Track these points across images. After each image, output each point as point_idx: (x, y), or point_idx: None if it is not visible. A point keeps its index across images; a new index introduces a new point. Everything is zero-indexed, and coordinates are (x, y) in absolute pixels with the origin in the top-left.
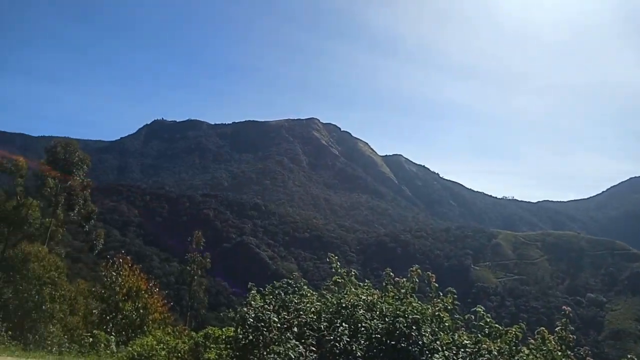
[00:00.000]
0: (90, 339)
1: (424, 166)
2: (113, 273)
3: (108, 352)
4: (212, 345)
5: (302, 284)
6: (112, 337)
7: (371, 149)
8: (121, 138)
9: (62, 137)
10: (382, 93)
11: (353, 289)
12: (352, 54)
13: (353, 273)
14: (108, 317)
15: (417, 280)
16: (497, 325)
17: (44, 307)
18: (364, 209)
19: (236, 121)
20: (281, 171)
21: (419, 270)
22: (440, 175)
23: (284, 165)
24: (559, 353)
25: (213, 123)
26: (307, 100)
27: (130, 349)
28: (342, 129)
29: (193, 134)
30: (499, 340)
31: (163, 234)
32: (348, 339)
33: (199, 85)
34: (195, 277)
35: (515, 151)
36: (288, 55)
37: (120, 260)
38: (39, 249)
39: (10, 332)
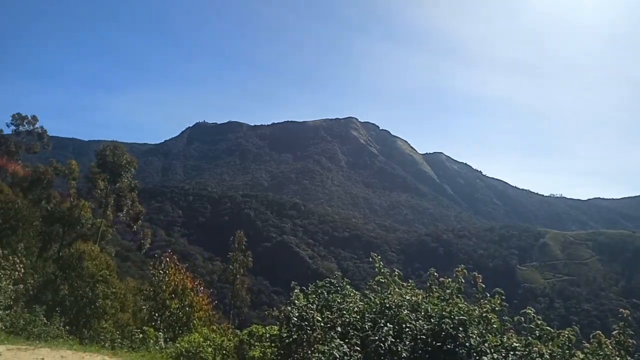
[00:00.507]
0: (141, 335)
1: (466, 164)
2: (160, 272)
3: (157, 347)
4: (256, 343)
5: (344, 283)
6: (160, 333)
7: (411, 147)
8: (165, 141)
9: (111, 141)
10: (421, 90)
11: (397, 289)
12: (390, 52)
13: (396, 273)
14: (156, 315)
15: (463, 280)
16: (548, 328)
17: (97, 303)
18: (404, 208)
19: (275, 122)
20: (320, 171)
21: (464, 271)
22: (484, 173)
23: (323, 164)
24: (618, 359)
25: (252, 124)
26: (345, 99)
27: (179, 345)
28: (380, 128)
29: (233, 135)
30: (550, 343)
31: (206, 234)
32: (393, 340)
33: (238, 88)
34: (238, 276)
35: (563, 147)
36: (325, 55)
37: (167, 259)
38: (92, 248)
39: (67, 327)
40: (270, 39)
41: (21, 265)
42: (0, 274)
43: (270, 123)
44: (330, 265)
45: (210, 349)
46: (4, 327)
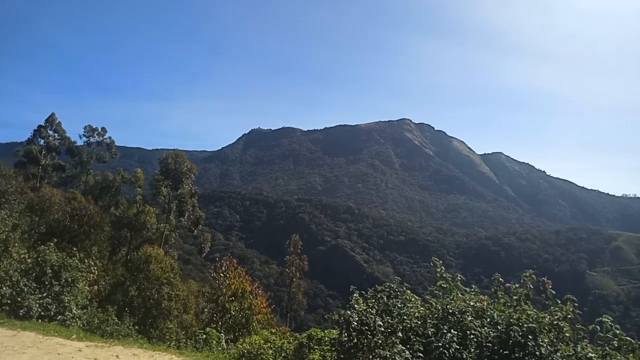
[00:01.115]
0: (204, 336)
1: (528, 164)
2: (221, 275)
3: (219, 348)
4: (315, 347)
5: (404, 288)
6: (222, 334)
7: (468, 147)
8: (222, 147)
9: (172, 150)
10: (477, 89)
11: (459, 295)
12: (442, 50)
13: (459, 278)
14: (217, 316)
15: (532, 286)
16: (628, 339)
17: (162, 305)
18: (462, 210)
19: (328, 126)
20: (373, 174)
21: (533, 276)
22: (547, 173)
23: (376, 167)
24: None
25: (305, 129)
26: (398, 101)
27: (240, 346)
28: (435, 129)
29: (287, 140)
30: (631, 355)
31: (262, 237)
32: (457, 346)
33: (291, 94)
34: (294, 280)
35: (636, 144)
36: (376, 57)
37: (227, 262)
38: (157, 251)
39: (136, 327)
40: (319, 43)
41: (95, 268)
42: (77, 276)
43: (322, 127)
44: (385, 269)
45: (270, 351)
46: (81, 325)
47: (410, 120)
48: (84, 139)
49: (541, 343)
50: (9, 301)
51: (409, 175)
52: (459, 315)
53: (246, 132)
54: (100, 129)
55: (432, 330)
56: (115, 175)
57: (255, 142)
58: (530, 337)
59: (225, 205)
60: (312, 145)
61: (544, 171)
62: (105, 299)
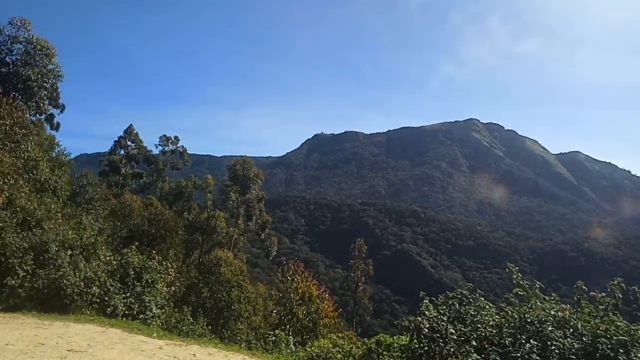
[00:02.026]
0: (273, 338)
1: (610, 163)
2: (288, 278)
3: (288, 351)
4: (384, 353)
5: (477, 295)
6: (290, 337)
7: (542, 147)
8: (287, 153)
9: (240, 156)
10: (551, 84)
11: (538, 303)
12: (511, 45)
13: (537, 285)
14: (285, 319)
15: (621, 295)
16: None
17: (233, 306)
18: (537, 214)
19: (391, 129)
20: (439, 176)
21: (622, 284)
22: (632, 173)
23: (442, 170)
24: None
25: (368, 133)
26: (464, 101)
27: (309, 349)
28: (505, 128)
29: (350, 145)
30: None
31: (327, 241)
32: (538, 358)
33: (353, 98)
34: (360, 284)
35: None
36: (439, 56)
37: (294, 266)
38: (227, 255)
39: (209, 327)
40: (379, 44)
41: (172, 270)
42: (156, 277)
43: (385, 130)
44: (454, 275)
45: (339, 356)
46: (160, 324)
47: (478, 120)
48: (159, 147)
49: (634, 358)
50: (97, 300)
51: (478, 177)
52: (539, 325)
53: (309, 137)
54: (173, 138)
55: (509, 340)
56: (188, 182)
57: (318, 147)
58: (621, 350)
59: (291, 209)
60: (375, 149)
61: (628, 170)
62: (180, 300)
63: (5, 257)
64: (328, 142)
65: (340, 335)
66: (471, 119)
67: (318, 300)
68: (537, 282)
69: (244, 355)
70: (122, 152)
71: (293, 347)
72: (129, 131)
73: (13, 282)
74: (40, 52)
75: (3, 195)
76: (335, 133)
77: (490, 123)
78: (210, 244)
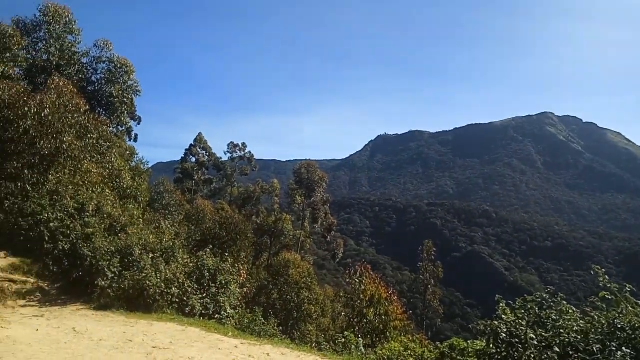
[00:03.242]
0: (343, 340)
1: None
2: (356, 280)
3: (359, 353)
4: (458, 358)
5: (559, 299)
6: (360, 339)
7: (626, 139)
8: (350, 155)
9: (304, 160)
10: (633, 70)
11: (630, 308)
12: (587, 30)
13: (628, 289)
14: (354, 321)
15: None
16: None
17: (302, 308)
18: (622, 212)
19: (457, 127)
20: (511, 174)
21: None
22: None
23: (514, 167)
24: None
25: (434, 131)
26: (537, 93)
27: (380, 352)
28: (584, 121)
29: (415, 144)
30: None
31: (393, 243)
32: None
33: (416, 97)
34: (429, 287)
35: None
36: (504, 48)
37: (362, 268)
38: (295, 257)
39: (280, 328)
40: (439, 38)
41: (244, 272)
42: (230, 279)
43: (452, 128)
44: (530, 277)
45: (411, 359)
46: (234, 324)
47: (553, 114)
48: (228, 154)
49: None
50: (177, 300)
51: (554, 174)
52: (631, 332)
53: (373, 139)
54: (241, 145)
55: (597, 346)
56: (255, 187)
57: (382, 148)
58: None
59: (356, 211)
60: (442, 148)
61: None
62: (250, 301)
63: (96, 260)
64: (392, 143)
65: (411, 338)
66: (545, 112)
67: (387, 303)
68: (628, 286)
69: (316, 356)
70: (194, 159)
71: (363, 350)
72: (198, 139)
73: (103, 283)
74: (120, 70)
75: (92, 203)
76: (399, 133)
77: (567, 116)
78: (278, 247)
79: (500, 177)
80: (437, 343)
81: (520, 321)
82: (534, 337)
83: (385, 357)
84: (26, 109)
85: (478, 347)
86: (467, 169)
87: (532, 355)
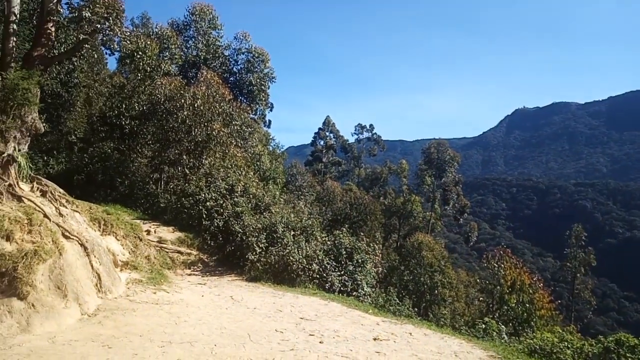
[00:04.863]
0: (483, 325)
1: None
2: (495, 265)
3: (502, 341)
4: (628, 355)
5: None
6: (502, 327)
7: None
8: (483, 132)
9: (431, 139)
10: None
11: None
12: None
13: None
14: (493, 308)
15: None
16: None
17: (435, 291)
18: None
19: (613, 95)
20: None
21: None
22: None
23: None
24: None
25: (582, 102)
26: None
27: (529, 341)
28: None
29: (559, 118)
30: None
31: (533, 227)
32: None
33: (561, 65)
34: (578, 275)
35: None
36: None
37: (501, 252)
38: (429, 239)
39: (415, 309)
40: None
41: (380, 251)
42: (366, 258)
43: (606, 97)
44: None
45: (568, 351)
46: (370, 302)
47: None
48: (355, 136)
49: None
50: (317, 276)
51: None
52: None
53: (509, 114)
54: (368, 126)
55: None
56: (383, 168)
57: (519, 123)
58: None
59: (490, 192)
60: (593, 120)
61: None
62: (381, 281)
63: (245, 236)
64: (531, 117)
65: (560, 329)
66: None
67: (531, 290)
68: None
69: (460, 340)
70: (322, 142)
71: (506, 337)
72: (326, 122)
73: (252, 257)
74: (257, 59)
75: (240, 185)
76: (540, 106)
77: None
78: (408, 228)
79: None
80: (600, 337)
81: None
82: None
83: (537, 347)
84: (182, 100)
85: None
86: (625, 144)
87: None
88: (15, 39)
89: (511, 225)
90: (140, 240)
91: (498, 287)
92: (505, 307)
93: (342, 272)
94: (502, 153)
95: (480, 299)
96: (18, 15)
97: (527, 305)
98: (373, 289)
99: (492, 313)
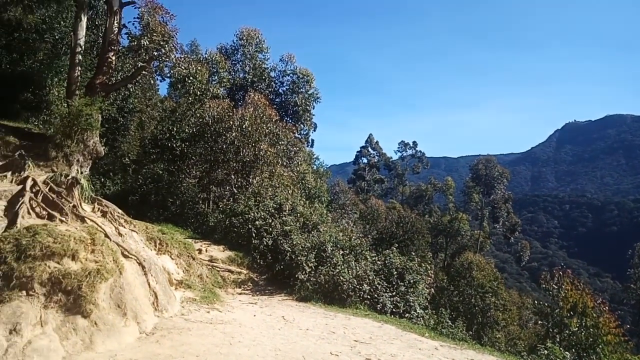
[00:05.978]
0: (545, 351)
1: None
2: (554, 286)
3: None
4: None
5: None
6: (567, 353)
7: None
8: (532, 148)
9: (477, 155)
10: None
11: None
12: None
13: None
14: (554, 332)
15: None
16: None
17: (488, 313)
18: None
19: None
20: None
21: None
22: None
23: None
24: None
25: (639, 114)
26: None
27: None
28: None
29: (614, 131)
30: None
31: (589, 246)
32: None
33: (615, 75)
34: None
35: None
36: None
37: (561, 273)
38: (479, 259)
39: (470, 332)
40: None
41: (432, 272)
42: (418, 279)
43: None
44: None
45: None
46: (423, 325)
47: None
48: (398, 153)
49: None
50: (368, 296)
51: None
52: None
53: (559, 128)
54: (411, 143)
55: None
56: (427, 185)
57: (571, 138)
58: None
59: (540, 210)
60: None
61: None
62: (431, 302)
63: (295, 255)
64: (584, 131)
65: (631, 357)
66: None
67: (594, 314)
68: None
69: None
70: (365, 160)
71: None
72: (369, 140)
73: (302, 276)
74: (302, 80)
75: (288, 204)
76: (593, 119)
77: None
78: (455, 247)
79: None
80: None
81: None
82: None
83: None
84: (231, 122)
85: None
86: None
87: None
88: (80, 69)
89: (565, 243)
90: (193, 259)
91: (557, 310)
92: (567, 331)
93: (394, 293)
94: (552, 169)
95: (539, 322)
96: (83, 47)
97: (592, 329)
98: (425, 311)
99: (551, 337)
